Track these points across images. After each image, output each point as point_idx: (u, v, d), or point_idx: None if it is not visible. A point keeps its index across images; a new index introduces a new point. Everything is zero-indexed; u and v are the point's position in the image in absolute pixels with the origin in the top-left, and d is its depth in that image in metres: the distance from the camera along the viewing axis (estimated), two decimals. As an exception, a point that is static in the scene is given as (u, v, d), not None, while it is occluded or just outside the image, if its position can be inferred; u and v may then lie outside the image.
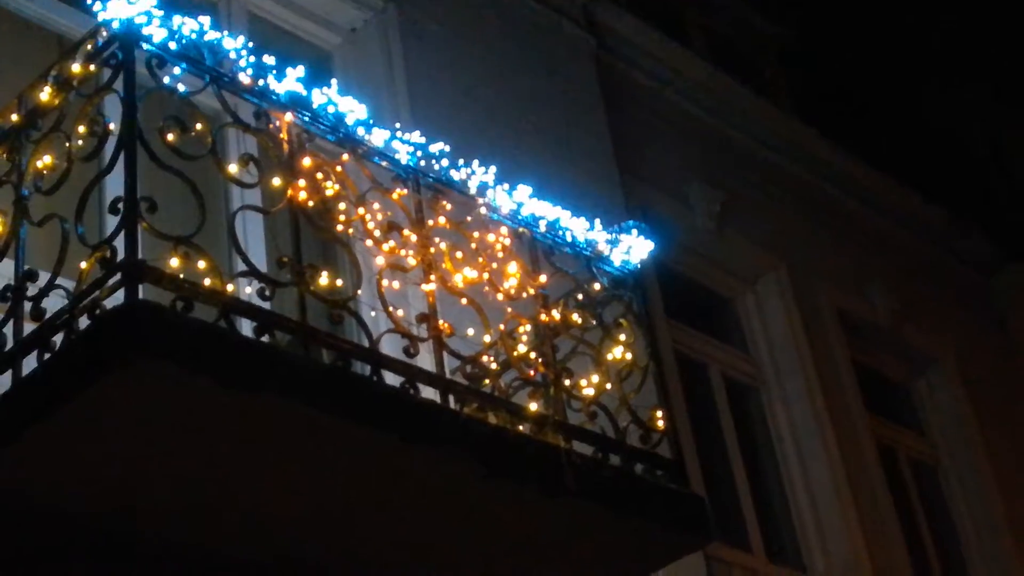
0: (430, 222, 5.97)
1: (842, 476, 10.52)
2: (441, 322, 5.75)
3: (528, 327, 6.23)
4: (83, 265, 4.96)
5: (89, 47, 5.31)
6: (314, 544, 5.75)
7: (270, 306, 5.20)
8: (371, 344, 5.44)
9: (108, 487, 5.22)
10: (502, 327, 6.08)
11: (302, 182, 5.49)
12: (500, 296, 6.12)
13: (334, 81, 5.92)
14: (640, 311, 6.57)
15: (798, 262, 11.54)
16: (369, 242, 5.75)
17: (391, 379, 5.43)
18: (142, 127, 5.05)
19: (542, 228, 6.39)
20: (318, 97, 5.66)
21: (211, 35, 5.34)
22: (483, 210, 6.20)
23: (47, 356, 4.94)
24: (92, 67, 5.30)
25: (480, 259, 6.09)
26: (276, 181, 5.47)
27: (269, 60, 5.53)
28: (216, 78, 5.36)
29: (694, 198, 10.99)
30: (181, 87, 5.23)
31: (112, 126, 5.14)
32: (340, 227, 5.65)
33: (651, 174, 10.57)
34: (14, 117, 5.53)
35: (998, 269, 14.01)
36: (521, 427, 5.75)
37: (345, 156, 5.77)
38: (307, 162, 5.55)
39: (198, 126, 5.21)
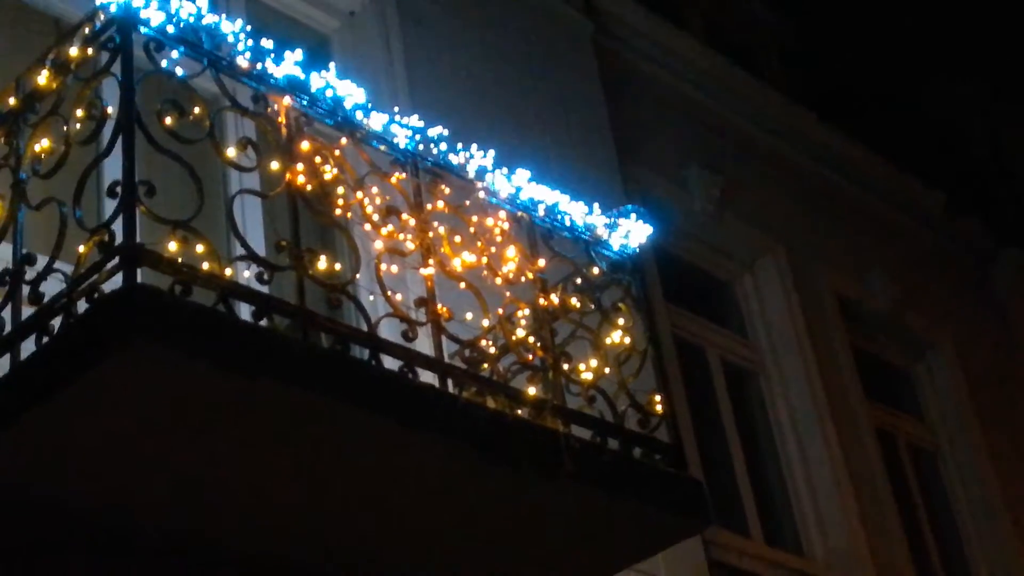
0: (428, 206, 5.96)
1: (841, 461, 10.53)
2: (439, 306, 5.74)
3: (527, 311, 6.22)
4: (81, 249, 4.95)
5: (87, 30, 5.30)
6: (313, 527, 5.75)
7: (268, 290, 5.19)
8: (369, 328, 5.44)
9: (106, 470, 5.21)
10: (500, 311, 6.07)
11: (300, 166, 5.48)
12: (498, 280, 6.12)
13: (332, 65, 5.90)
14: (639, 295, 6.56)
15: (797, 247, 11.54)
16: (367, 226, 5.74)
17: (389, 363, 5.43)
18: (140, 111, 5.03)
19: (541, 212, 6.38)
20: (316, 81, 5.65)
21: (209, 18, 5.32)
22: (482, 194, 6.19)
23: (45, 340, 4.93)
24: (90, 50, 5.30)
25: (479, 243, 6.08)
26: (274, 165, 5.46)
27: (267, 44, 5.51)
28: (214, 62, 5.34)
29: (693, 182, 10.99)
30: (179, 71, 5.22)
31: (110, 110, 5.13)
32: (338, 211, 5.64)
33: (650, 158, 10.57)
34: (12, 101, 5.51)
35: (998, 255, 14.01)
36: (520, 411, 5.74)
37: (343, 140, 5.77)
38: (305, 146, 5.54)
39: (196, 110, 5.20)
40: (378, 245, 5.75)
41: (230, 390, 4.91)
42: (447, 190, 6.06)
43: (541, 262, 6.28)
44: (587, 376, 6.17)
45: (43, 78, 5.39)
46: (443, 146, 6.09)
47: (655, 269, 9.71)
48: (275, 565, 5.80)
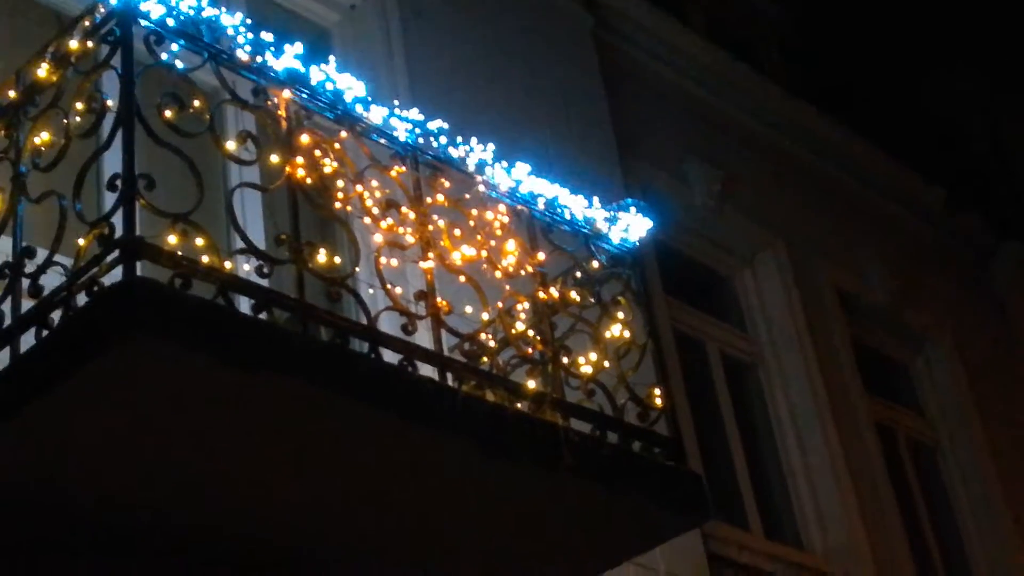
0: (428, 199, 5.96)
1: (840, 455, 10.54)
2: (439, 300, 5.74)
3: (526, 305, 6.23)
4: (81, 242, 4.95)
5: (87, 23, 5.30)
6: (313, 521, 5.76)
7: (268, 283, 5.20)
8: (369, 321, 5.44)
9: (106, 463, 5.22)
10: (500, 305, 6.08)
11: (300, 159, 5.48)
12: (498, 274, 6.12)
13: (332, 58, 5.90)
14: (638, 289, 6.57)
15: (797, 241, 11.54)
16: (367, 219, 5.74)
17: (389, 356, 5.43)
18: (140, 104, 5.03)
19: (540, 206, 6.38)
20: (316, 74, 5.65)
21: (209, 12, 5.32)
22: (481, 188, 6.19)
23: (45, 333, 4.94)
24: (90, 44, 5.29)
25: (478, 237, 6.08)
26: (274, 158, 5.46)
27: (267, 37, 5.51)
28: (214, 55, 5.34)
29: (693, 176, 10.98)
30: (179, 64, 5.22)
31: (110, 103, 5.12)
32: (338, 204, 5.64)
33: (650, 152, 10.56)
34: (12, 94, 5.51)
35: (997, 249, 14.01)
36: (519, 405, 5.75)
37: (343, 133, 5.76)
38: (305, 139, 5.53)
39: (196, 103, 5.20)
40: (378, 238, 5.74)
41: (230, 383, 4.92)
42: (447, 183, 6.06)
43: (541, 256, 6.28)
44: (587, 370, 6.17)
45: (43, 71, 5.39)
46: (443, 140, 6.09)
47: (655, 263, 9.72)
48: (276, 559, 5.81)
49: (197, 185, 5.05)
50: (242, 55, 5.41)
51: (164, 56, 5.19)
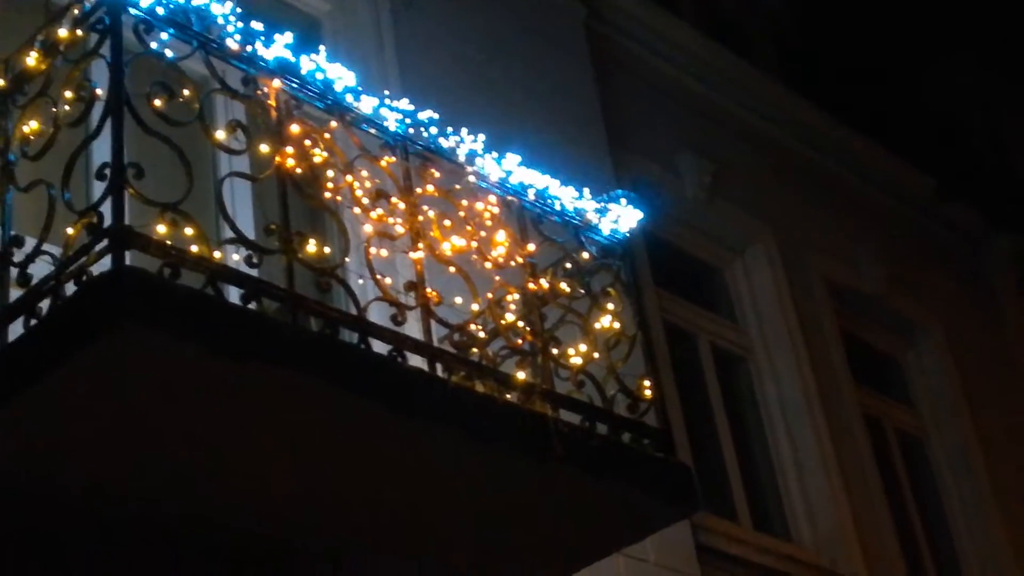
0: (418, 190, 5.95)
1: (829, 446, 10.55)
2: (429, 290, 5.74)
3: (516, 296, 6.22)
4: (70, 231, 4.94)
5: (76, 12, 5.29)
6: (303, 510, 5.75)
7: (257, 273, 5.18)
8: (359, 312, 5.43)
9: (95, 453, 5.21)
10: (490, 296, 6.08)
11: (290, 149, 5.47)
12: (488, 265, 6.11)
13: (323, 48, 5.89)
14: (628, 280, 6.56)
15: (787, 232, 11.55)
16: (357, 210, 5.74)
17: (379, 347, 5.42)
18: (129, 93, 5.02)
19: (531, 197, 6.38)
20: (306, 64, 5.64)
21: (199, 0, 5.31)
22: (472, 178, 6.19)
23: (33, 323, 4.92)
24: (79, 32, 5.28)
25: (468, 227, 6.08)
26: (264, 148, 5.45)
27: (257, 26, 5.50)
28: (204, 44, 5.32)
29: (684, 168, 10.98)
30: (168, 53, 5.20)
31: (99, 91, 5.11)
32: (328, 194, 5.64)
33: (641, 143, 10.56)
34: (0, 82, 5.49)
35: (988, 239, 14.01)
36: (508, 396, 5.74)
37: (333, 123, 5.76)
38: (295, 129, 5.52)
39: (185, 92, 5.18)
40: (368, 229, 5.74)
41: (219, 373, 4.91)
42: (437, 174, 6.05)
43: (531, 247, 6.28)
44: (576, 361, 6.17)
45: (32, 59, 5.38)
46: (433, 130, 6.08)
47: (645, 254, 9.72)
48: (266, 548, 5.80)
49: (186, 174, 5.04)
50: (232, 44, 5.40)
51: (153, 45, 5.17)
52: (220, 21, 5.36)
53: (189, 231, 4.94)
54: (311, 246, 5.38)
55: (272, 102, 5.50)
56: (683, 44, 11.46)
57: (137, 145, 5.05)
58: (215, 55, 5.37)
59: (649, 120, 10.85)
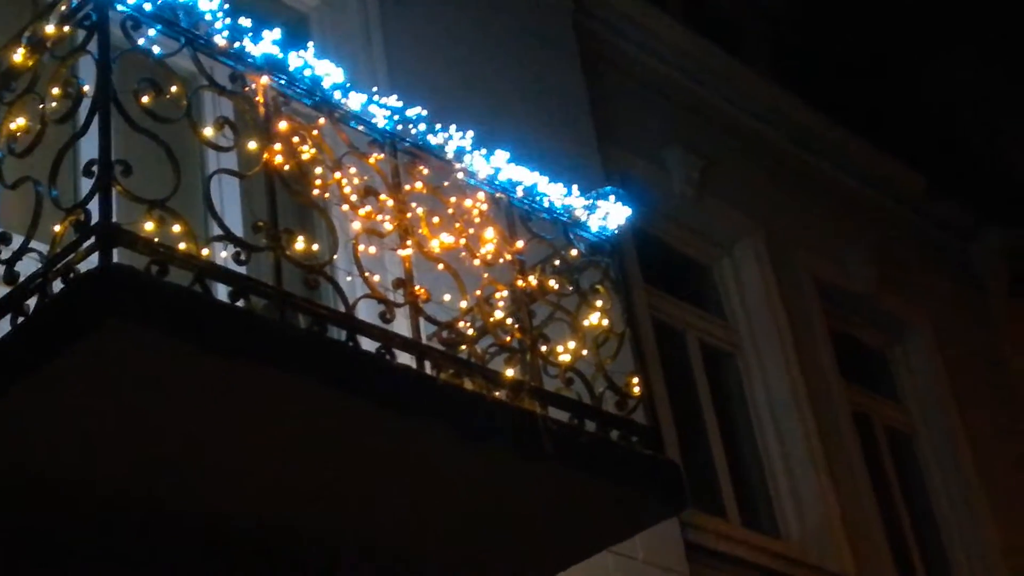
0: (407, 187, 5.95)
1: (817, 443, 10.56)
2: (417, 287, 5.73)
3: (505, 293, 6.22)
4: (57, 228, 4.93)
5: (63, 8, 5.26)
6: (290, 508, 5.74)
7: (246, 270, 5.17)
8: (347, 309, 5.42)
9: (83, 451, 5.19)
10: (479, 293, 6.07)
11: (278, 146, 5.46)
12: (477, 262, 6.11)
13: (311, 44, 5.87)
14: (617, 277, 6.56)
15: (776, 228, 11.55)
16: (345, 207, 5.72)
17: (367, 344, 5.41)
18: (117, 89, 5.01)
19: (519, 193, 6.37)
20: (294, 60, 5.62)
21: (186, -3, 5.30)
22: (460, 175, 6.17)
23: (20, 320, 4.91)
24: (66, 28, 5.26)
25: (457, 224, 6.07)
26: (252, 145, 5.44)
27: (245, 22, 5.48)
28: (191, 40, 5.31)
29: (672, 164, 10.98)
30: (156, 49, 5.19)
31: (86, 88, 5.10)
32: (316, 191, 5.63)
33: (630, 139, 10.56)
34: (-13, 78, 5.49)
35: (977, 236, 14.02)
36: (497, 393, 5.73)
37: (322, 120, 5.74)
38: (283, 126, 5.51)
39: (173, 88, 5.17)
40: (356, 226, 5.72)
41: (207, 371, 4.90)
42: (425, 171, 6.05)
43: (519, 243, 6.27)
44: (565, 358, 6.16)
45: (19, 56, 5.36)
46: (422, 127, 6.07)
47: (634, 251, 9.72)
48: (257, 543, 5.79)
49: (174, 171, 5.03)
50: (220, 40, 5.38)
51: (141, 41, 5.16)
52: (208, 17, 5.34)
53: (177, 228, 4.93)
54: (299, 243, 5.37)
55: (260, 99, 5.49)
56: (671, 40, 11.45)
57: (124, 142, 5.03)
58: (203, 51, 5.35)
59: (638, 116, 10.85)
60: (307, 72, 5.66)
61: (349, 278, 5.67)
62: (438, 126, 6.14)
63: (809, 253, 11.85)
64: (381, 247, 5.86)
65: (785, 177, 12.18)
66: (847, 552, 10.22)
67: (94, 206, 4.81)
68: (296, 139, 5.55)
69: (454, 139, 6.19)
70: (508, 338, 6.05)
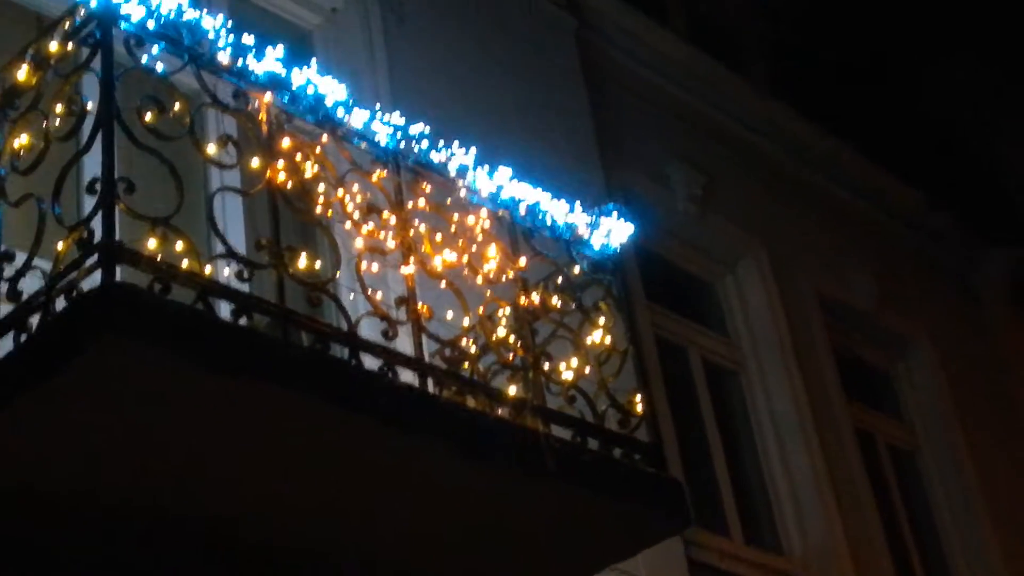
0: (409, 204, 5.95)
1: (821, 461, 10.53)
2: (420, 305, 5.73)
3: (507, 310, 6.21)
4: (60, 246, 4.93)
5: (67, 26, 5.28)
6: (293, 522, 5.74)
7: (248, 288, 5.17)
8: (349, 327, 5.42)
9: (83, 467, 5.19)
10: (481, 310, 6.07)
11: (281, 163, 5.47)
12: (479, 279, 6.11)
13: (314, 61, 5.88)
14: (620, 295, 6.56)
15: (779, 246, 11.54)
16: (348, 224, 5.73)
17: (370, 362, 5.41)
18: (120, 107, 5.02)
19: (522, 211, 6.37)
20: (297, 78, 5.63)
21: (190, 14, 5.30)
22: (463, 192, 6.18)
23: (23, 338, 4.91)
24: (70, 46, 5.28)
25: (460, 242, 6.07)
26: (255, 162, 5.45)
27: (248, 40, 5.49)
28: (195, 58, 5.32)
29: (675, 180, 10.98)
30: (159, 67, 5.20)
31: (90, 106, 5.10)
32: (319, 209, 5.63)
33: (632, 156, 10.56)
34: (-9, 96, 5.49)
35: (980, 255, 14.02)
36: (500, 411, 5.74)
37: (324, 137, 5.75)
38: (286, 143, 5.52)
39: (176, 106, 5.18)
40: (359, 243, 5.73)
41: (209, 389, 4.90)
42: (428, 188, 6.05)
43: (522, 261, 6.28)
44: (567, 376, 6.16)
45: (23, 73, 5.38)
46: (424, 144, 6.08)
47: (636, 268, 9.70)
48: (260, 558, 5.78)
49: (177, 189, 5.03)
50: (223, 58, 5.39)
51: (144, 59, 5.17)
52: (211, 35, 5.36)
53: (180, 246, 4.93)
54: (302, 261, 5.37)
55: (263, 116, 5.50)
56: (673, 56, 11.46)
57: (128, 159, 5.04)
58: (206, 69, 5.36)
59: (640, 133, 10.85)
60: (310, 89, 5.66)
61: (352, 296, 5.68)
62: (441, 143, 6.15)
63: (811, 270, 11.84)
64: (384, 265, 5.86)
65: (788, 194, 12.18)
66: (850, 570, 10.19)
67: (97, 224, 4.82)
68: (299, 156, 5.56)
69: (457, 156, 6.19)
70: (511, 356, 6.05)
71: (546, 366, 6.10)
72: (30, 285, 5.01)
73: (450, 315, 6.02)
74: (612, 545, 6.38)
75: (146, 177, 5.11)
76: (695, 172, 11.08)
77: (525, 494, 5.81)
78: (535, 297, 6.27)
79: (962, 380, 12.77)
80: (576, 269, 6.51)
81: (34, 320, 4.90)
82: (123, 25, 5.12)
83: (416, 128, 6.07)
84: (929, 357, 12.68)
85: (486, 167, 6.28)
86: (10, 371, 4.87)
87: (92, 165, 5.02)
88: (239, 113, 5.49)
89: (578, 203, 6.62)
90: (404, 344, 5.65)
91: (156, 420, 5.01)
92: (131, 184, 4.89)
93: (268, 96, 5.52)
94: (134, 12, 5.11)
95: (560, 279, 6.47)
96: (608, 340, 6.39)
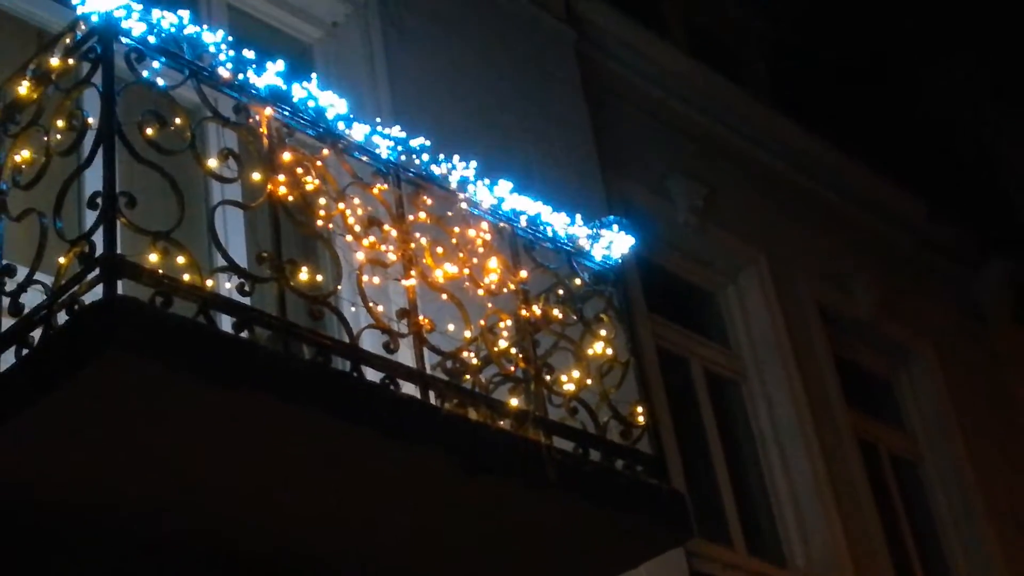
0: (411, 217, 5.96)
1: (823, 471, 10.53)
2: (421, 317, 5.74)
3: (509, 322, 6.22)
4: (61, 260, 4.93)
5: (68, 41, 5.30)
6: (293, 532, 5.74)
7: (250, 301, 5.17)
8: (351, 340, 5.43)
9: (86, 482, 5.20)
10: (483, 322, 6.07)
11: (282, 177, 5.47)
12: (481, 291, 6.12)
13: (314, 75, 5.90)
14: (621, 306, 6.56)
15: (780, 256, 11.54)
16: (349, 237, 5.74)
17: (371, 375, 5.42)
18: (121, 121, 5.02)
19: (523, 223, 6.38)
20: (298, 91, 5.64)
21: (190, 29, 5.32)
22: (464, 205, 6.19)
23: (25, 352, 4.91)
24: (71, 61, 5.29)
25: (461, 254, 6.08)
26: (256, 176, 5.45)
27: (249, 54, 5.51)
28: (195, 72, 5.33)
29: (675, 192, 10.98)
30: (160, 81, 5.21)
31: (91, 120, 5.12)
32: (320, 222, 5.64)
33: (632, 168, 10.56)
34: (-8, 111, 5.51)
35: (980, 263, 14.02)
36: (501, 423, 5.74)
37: (325, 151, 5.76)
38: (287, 157, 5.53)
39: (177, 120, 5.19)
40: (360, 256, 5.74)
41: (211, 402, 4.90)
42: (429, 201, 6.06)
43: (523, 273, 6.28)
44: (569, 387, 6.17)
45: (24, 88, 5.39)
46: (425, 157, 6.09)
47: (638, 280, 9.70)
48: (263, 570, 5.78)
49: (178, 203, 5.04)
50: (224, 72, 5.40)
51: (145, 73, 5.18)
52: (211, 49, 5.38)
53: (181, 260, 4.94)
54: (303, 274, 5.37)
55: (264, 130, 5.51)
56: (673, 68, 11.47)
57: (129, 174, 5.05)
58: (207, 83, 5.38)
59: (641, 145, 10.86)
60: (311, 103, 5.68)
61: (353, 308, 5.68)
62: (441, 156, 6.16)
63: (813, 280, 11.84)
64: (385, 277, 5.87)
65: (788, 204, 12.18)
66: (853, 580, 10.19)
67: (98, 238, 4.82)
68: (300, 170, 5.56)
69: (458, 169, 6.20)
70: (512, 368, 6.05)
71: (548, 378, 6.10)
72: (32, 299, 5.02)
73: (451, 327, 6.02)
74: (614, 557, 6.38)
75: (147, 191, 5.12)
76: (695, 183, 11.09)
77: (527, 506, 5.81)
78: (536, 309, 6.28)
79: (963, 388, 12.76)
80: (577, 281, 6.52)
81: (36, 334, 4.91)
82: (124, 40, 5.13)
83: (417, 141, 6.08)
84: (931, 366, 12.67)
85: (487, 180, 6.29)
86: (12, 385, 4.87)
87: (93, 179, 5.04)
88: (240, 127, 5.50)
89: (579, 215, 6.63)
90: (405, 356, 5.66)
91: (158, 433, 5.02)
92: (132, 198, 4.90)
93: (269, 110, 5.53)
94: (135, 27, 5.13)
95: (561, 291, 6.48)
96: (609, 351, 6.40)
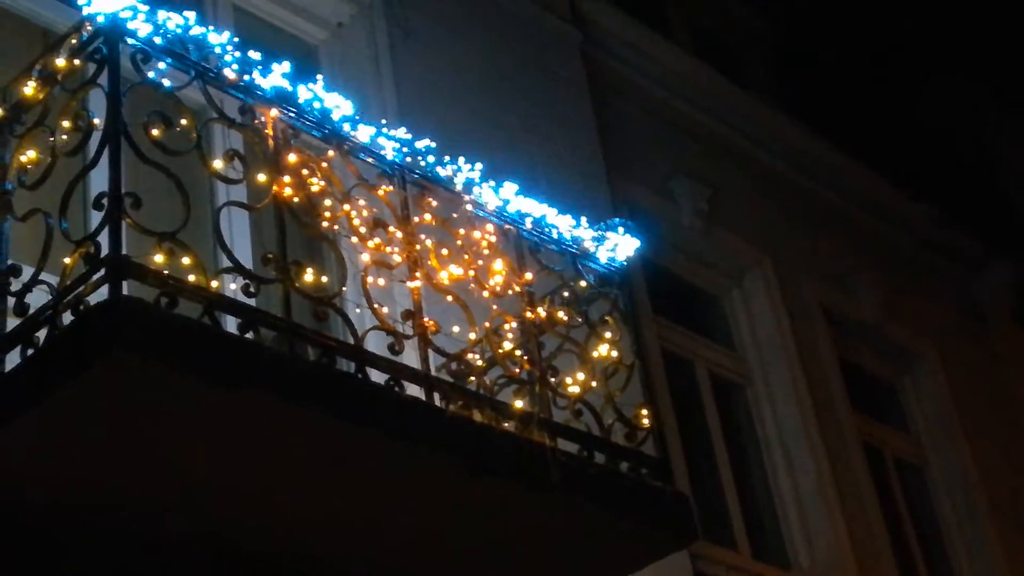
0: (416, 219, 5.96)
1: (828, 474, 10.52)
2: (426, 319, 5.73)
3: (514, 324, 6.21)
4: (67, 260, 4.94)
5: (74, 41, 5.30)
6: (297, 533, 5.74)
7: (255, 303, 5.18)
8: (356, 341, 5.43)
9: (90, 481, 5.20)
10: (487, 324, 6.07)
11: (287, 178, 5.47)
12: (486, 293, 6.11)
13: (320, 76, 5.89)
14: (626, 308, 6.56)
15: (784, 258, 11.54)
16: (354, 239, 5.74)
17: (376, 376, 5.42)
18: (127, 122, 5.03)
19: (528, 225, 6.38)
20: (304, 93, 5.64)
21: (196, 30, 5.32)
22: (469, 207, 6.19)
23: (30, 352, 4.92)
24: (77, 61, 5.29)
25: (466, 256, 6.08)
26: (261, 177, 5.46)
27: (255, 55, 5.51)
28: (201, 73, 5.34)
29: (680, 194, 10.98)
30: (166, 82, 5.21)
31: (97, 121, 5.12)
32: (325, 223, 5.64)
33: (637, 170, 10.56)
34: (-2, 111, 5.51)
35: (984, 266, 14.02)
36: (506, 425, 5.74)
37: (331, 152, 5.77)
38: (292, 158, 5.53)
39: (183, 121, 5.19)
40: (365, 258, 5.74)
41: (215, 403, 4.90)
42: (434, 203, 6.06)
43: (528, 275, 6.28)
44: (574, 389, 6.16)
45: (30, 89, 5.39)
46: (430, 158, 6.09)
47: (643, 282, 9.70)
48: (267, 570, 5.78)
49: (184, 204, 5.03)
50: (229, 73, 5.41)
51: (151, 74, 5.18)
52: (217, 50, 5.38)
53: (186, 260, 4.94)
54: (308, 275, 5.37)
55: (269, 131, 5.51)
56: (678, 70, 11.47)
57: (134, 174, 5.05)
58: (213, 84, 5.38)
59: (646, 147, 10.86)
60: (316, 105, 5.68)
61: (358, 310, 5.69)
62: (447, 158, 6.16)
63: (817, 283, 11.84)
64: (390, 279, 5.87)
65: (793, 207, 12.18)
66: (857, 583, 10.19)
67: (104, 238, 4.82)
68: (305, 171, 5.57)
69: (463, 171, 6.20)
70: (517, 370, 6.05)
71: (553, 380, 6.10)
72: (37, 299, 5.02)
73: (456, 329, 6.02)
74: (618, 559, 6.37)
75: (153, 192, 5.13)
76: (700, 185, 11.09)
77: (531, 508, 5.81)
78: (541, 311, 6.28)
79: (964, 389, 12.76)
80: (582, 283, 6.52)
81: (41, 334, 4.91)
82: (130, 41, 5.13)
83: (422, 143, 6.08)
84: (935, 369, 12.67)
85: (492, 182, 6.29)
86: (17, 385, 4.88)
87: (99, 180, 5.03)
88: (246, 128, 5.50)
89: (584, 217, 6.63)
90: (410, 358, 5.66)
91: (163, 433, 5.02)
92: (138, 199, 4.91)
93: (275, 111, 5.53)
94: (141, 28, 5.13)
95: (566, 293, 6.48)
96: (615, 354, 6.39)
